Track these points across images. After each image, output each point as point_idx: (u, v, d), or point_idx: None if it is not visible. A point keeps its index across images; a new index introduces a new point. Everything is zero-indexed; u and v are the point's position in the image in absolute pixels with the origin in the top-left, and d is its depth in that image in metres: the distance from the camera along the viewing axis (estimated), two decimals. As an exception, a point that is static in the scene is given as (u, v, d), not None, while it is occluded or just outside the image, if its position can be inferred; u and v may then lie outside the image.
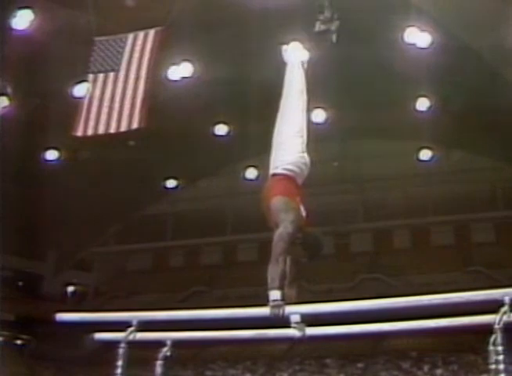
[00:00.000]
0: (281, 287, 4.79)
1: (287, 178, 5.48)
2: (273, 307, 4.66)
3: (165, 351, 5.15)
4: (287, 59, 6.26)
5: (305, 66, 6.27)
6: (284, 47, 6.38)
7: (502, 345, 4.42)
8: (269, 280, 4.79)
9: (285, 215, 5.05)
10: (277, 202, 5.20)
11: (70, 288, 32.74)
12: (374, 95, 25.93)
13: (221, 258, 32.97)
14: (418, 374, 26.87)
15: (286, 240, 4.90)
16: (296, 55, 6.32)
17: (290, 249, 4.99)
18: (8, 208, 22.11)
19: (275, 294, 4.70)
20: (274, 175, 5.57)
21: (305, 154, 5.67)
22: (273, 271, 4.79)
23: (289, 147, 5.61)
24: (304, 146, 5.71)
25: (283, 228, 4.95)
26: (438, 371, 26.60)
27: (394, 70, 24.01)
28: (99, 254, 33.65)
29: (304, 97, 5.97)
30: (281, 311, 4.64)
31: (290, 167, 5.51)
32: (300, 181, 5.57)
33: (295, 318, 4.84)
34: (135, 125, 13.76)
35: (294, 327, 4.81)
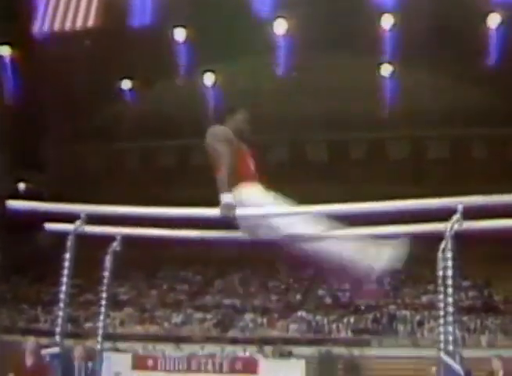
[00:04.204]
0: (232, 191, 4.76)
1: None
2: (224, 208, 4.63)
3: (115, 246, 5.10)
4: None
5: None
6: None
7: (452, 252, 4.46)
8: (220, 185, 4.75)
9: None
10: None
11: (23, 186, 32.46)
12: (338, 8, 25.57)
13: (176, 161, 32.94)
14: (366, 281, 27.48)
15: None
16: None
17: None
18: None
19: (227, 197, 4.67)
20: None
21: None
22: (222, 175, 4.78)
23: None
24: None
25: None
26: (386, 280, 27.23)
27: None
28: (54, 153, 33.30)
29: None
30: (232, 212, 4.63)
31: None
32: None
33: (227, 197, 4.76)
34: (90, 23, 13.43)
35: (224, 208, 4.76)
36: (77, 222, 4.92)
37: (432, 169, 29.54)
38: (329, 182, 28.90)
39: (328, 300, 26.50)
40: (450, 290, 4.41)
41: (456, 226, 4.42)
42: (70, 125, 32.59)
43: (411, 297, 25.81)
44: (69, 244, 4.92)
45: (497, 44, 24.80)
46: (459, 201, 4.44)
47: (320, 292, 27.16)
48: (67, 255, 4.94)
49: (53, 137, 32.52)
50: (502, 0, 23.73)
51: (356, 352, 22.01)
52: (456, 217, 4.41)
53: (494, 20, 24.29)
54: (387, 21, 25.45)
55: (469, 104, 28.67)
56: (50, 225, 5.24)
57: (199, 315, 26.14)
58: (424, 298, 24.89)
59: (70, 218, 5.06)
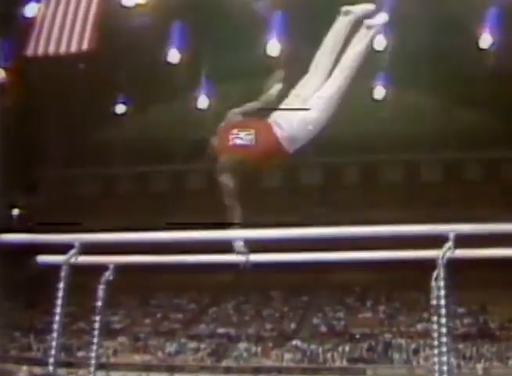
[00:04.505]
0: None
1: None
2: (238, 253, 4.73)
3: (108, 275, 5.07)
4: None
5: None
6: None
7: (445, 280, 4.45)
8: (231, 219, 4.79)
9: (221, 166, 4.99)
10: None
11: (15, 211, 32.38)
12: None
13: (169, 186, 32.90)
14: (361, 309, 27.37)
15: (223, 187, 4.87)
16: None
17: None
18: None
19: (239, 245, 4.74)
20: None
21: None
22: (231, 212, 4.82)
23: None
24: None
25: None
26: (381, 307, 27.12)
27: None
28: (47, 177, 33.27)
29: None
30: (247, 259, 4.72)
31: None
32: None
33: (239, 245, 4.76)
34: (85, 47, 13.46)
35: (238, 253, 4.74)
36: (71, 252, 4.90)
37: (425, 193, 29.57)
38: (323, 206, 28.94)
39: (323, 328, 26.37)
40: (444, 319, 4.41)
41: (448, 254, 4.42)
42: (64, 149, 32.62)
43: (406, 325, 25.68)
44: (62, 274, 4.90)
45: (489, 66, 24.92)
46: (451, 229, 4.44)
47: (315, 321, 27.02)
48: (61, 285, 4.91)
49: (47, 161, 32.50)
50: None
51: (352, 381, 21.89)
52: (447, 245, 4.41)
53: (486, 42, 24.41)
54: (380, 44, 25.56)
55: (461, 127, 28.80)
56: (43, 257, 5.22)
57: (193, 344, 25.96)
58: (419, 326, 24.75)
59: (63, 246, 5.05)
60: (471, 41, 24.57)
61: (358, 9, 5.51)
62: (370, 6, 5.54)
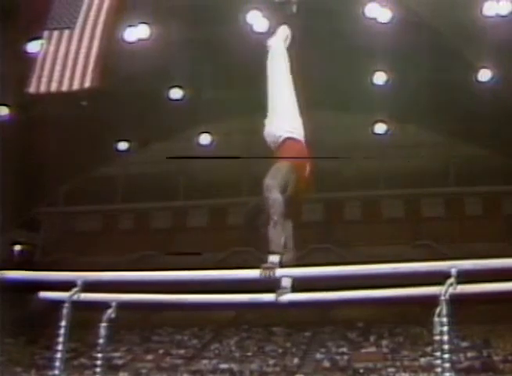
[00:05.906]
0: (282, 252, 4.82)
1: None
2: (265, 269, 4.65)
3: (110, 313, 5.07)
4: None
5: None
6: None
7: (447, 316, 4.45)
8: (271, 244, 4.80)
9: (271, 180, 5.00)
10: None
11: (17, 247, 32.36)
12: (332, 67, 25.90)
13: (171, 222, 32.86)
14: (364, 344, 27.22)
15: (271, 205, 4.85)
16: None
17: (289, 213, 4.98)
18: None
19: (274, 258, 4.73)
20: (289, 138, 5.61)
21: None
22: (273, 234, 4.79)
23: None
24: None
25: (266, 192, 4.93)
26: (384, 342, 26.98)
27: (354, 44, 24.02)
28: (48, 213, 33.28)
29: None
30: (271, 274, 4.64)
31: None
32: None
33: (286, 281, 4.84)
34: (87, 84, 13.55)
35: (279, 292, 4.81)
36: (73, 290, 4.91)
37: (427, 227, 29.54)
38: (324, 242, 28.91)
39: (326, 363, 26.17)
40: (447, 356, 4.40)
41: (450, 290, 4.42)
42: (66, 186, 32.67)
43: (409, 359, 25.51)
44: (65, 311, 4.90)
45: (490, 100, 25.01)
46: (453, 265, 4.45)
47: (318, 356, 26.84)
48: (63, 323, 4.91)
49: (48, 198, 32.54)
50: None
51: (355, 416, 21.71)
52: (449, 281, 4.41)
53: (485, 76, 24.52)
54: (380, 79, 25.75)
55: (461, 162, 28.86)
56: (45, 294, 5.22)
57: (195, 380, 25.79)
58: (422, 360, 24.59)
59: (65, 284, 5.05)
60: (471, 76, 24.73)
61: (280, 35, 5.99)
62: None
